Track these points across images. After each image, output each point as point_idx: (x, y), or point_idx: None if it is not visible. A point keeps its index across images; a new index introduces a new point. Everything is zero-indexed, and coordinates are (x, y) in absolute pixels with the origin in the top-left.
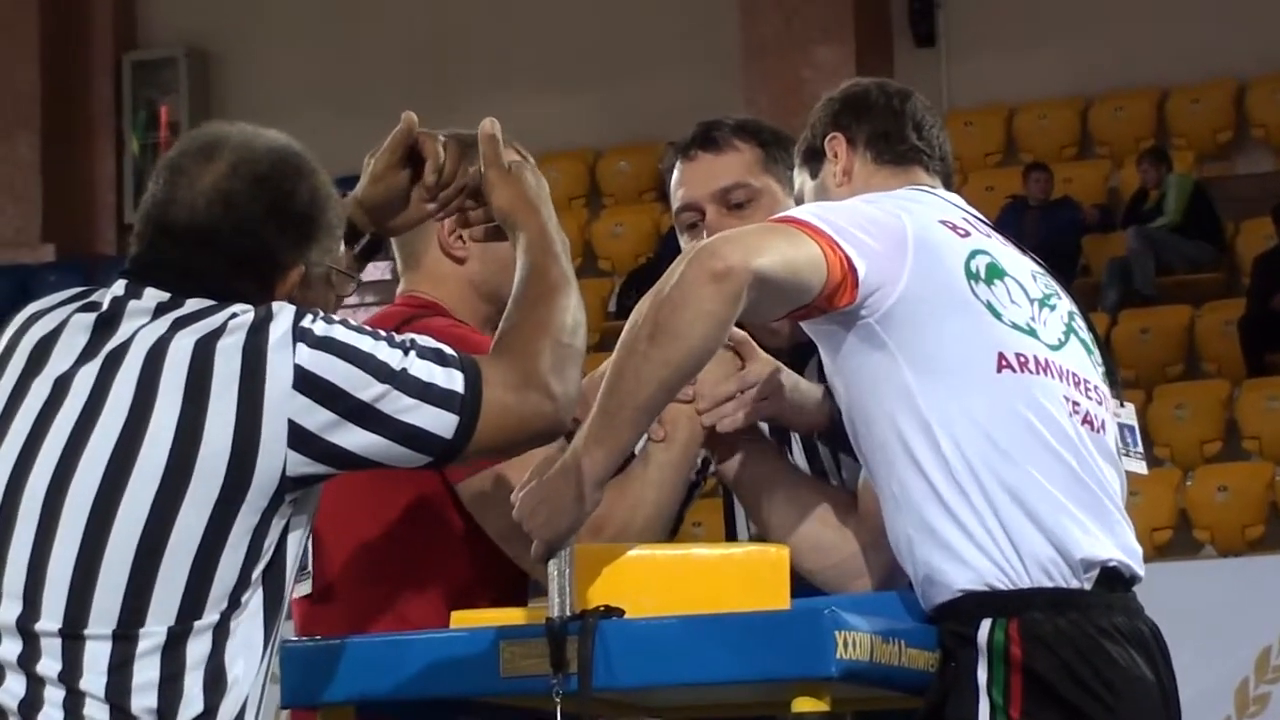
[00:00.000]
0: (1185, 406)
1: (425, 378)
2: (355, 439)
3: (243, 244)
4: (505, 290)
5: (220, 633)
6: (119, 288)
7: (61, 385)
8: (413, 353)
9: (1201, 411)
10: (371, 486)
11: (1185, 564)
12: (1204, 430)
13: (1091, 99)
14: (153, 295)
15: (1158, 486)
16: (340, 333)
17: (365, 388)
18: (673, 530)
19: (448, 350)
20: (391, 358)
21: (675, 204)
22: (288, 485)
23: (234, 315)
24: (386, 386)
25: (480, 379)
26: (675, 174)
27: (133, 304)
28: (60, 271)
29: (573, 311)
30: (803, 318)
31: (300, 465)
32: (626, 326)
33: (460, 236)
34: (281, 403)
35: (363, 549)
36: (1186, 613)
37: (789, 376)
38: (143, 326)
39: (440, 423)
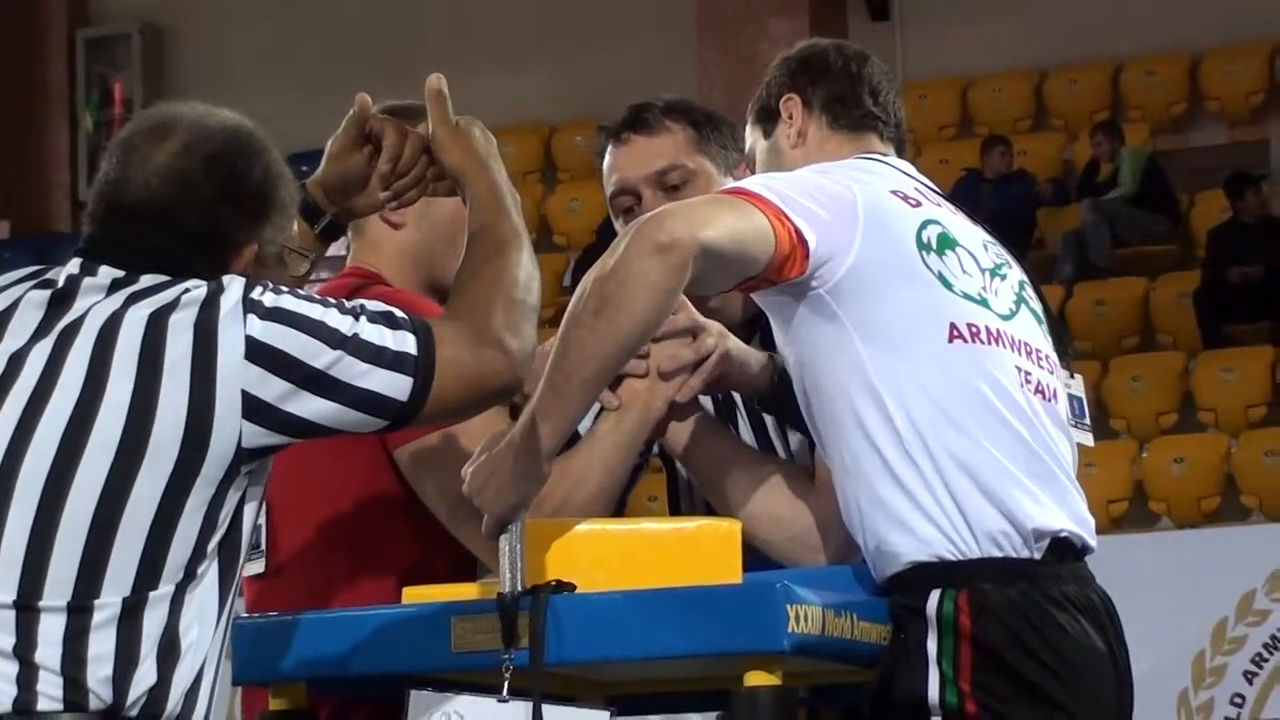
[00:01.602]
0: (1141, 378)
1: (377, 341)
2: (311, 407)
3: (196, 222)
4: (442, 258)
5: (175, 604)
6: (74, 266)
7: (15, 362)
8: (363, 318)
9: (1157, 383)
10: (319, 461)
11: (1141, 536)
12: (1160, 402)
13: (1046, 71)
14: (107, 273)
15: (1114, 458)
16: (290, 302)
17: (318, 355)
18: (622, 505)
19: (398, 313)
20: (342, 324)
21: (609, 188)
22: (244, 457)
23: (186, 290)
24: (339, 353)
25: (432, 339)
26: (608, 158)
27: (87, 281)
28: (14, 249)
29: (525, 266)
30: (751, 289)
31: (256, 436)
32: (572, 300)
33: None
34: (235, 374)
35: (312, 525)
36: (1143, 584)
37: (734, 343)
38: (96, 303)
39: (395, 385)
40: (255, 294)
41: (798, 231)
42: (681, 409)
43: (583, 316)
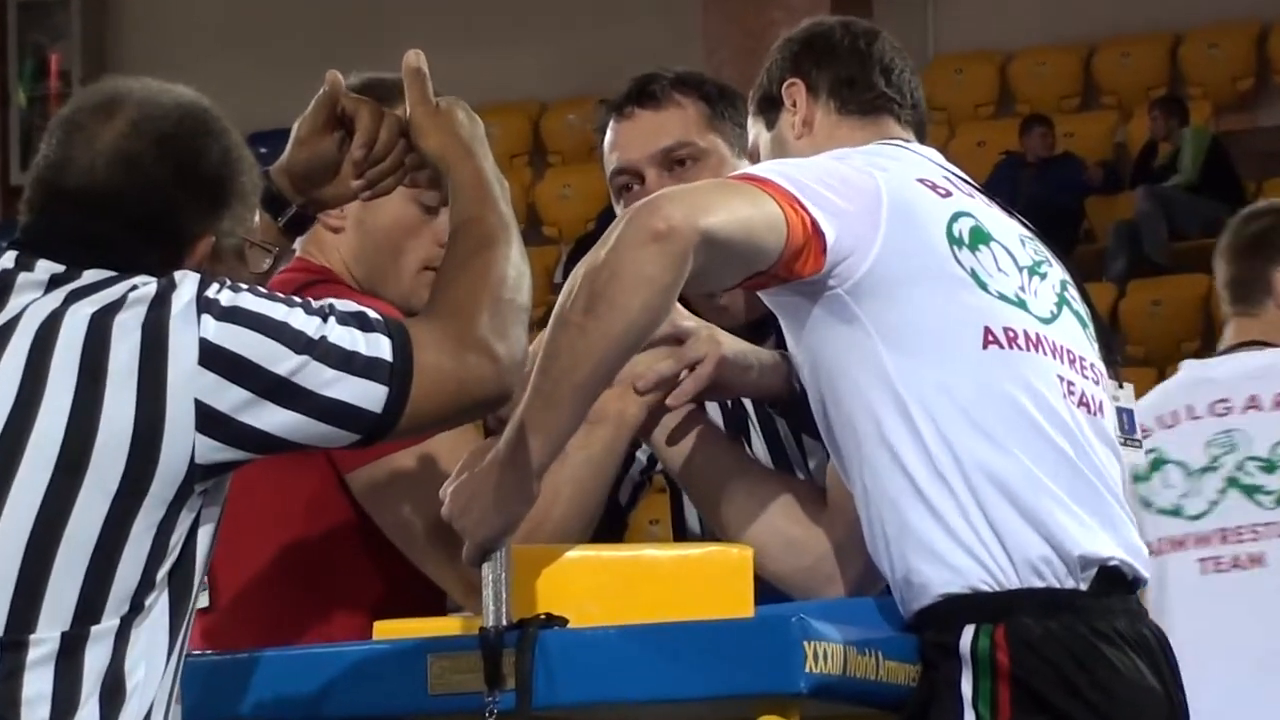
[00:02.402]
0: None
1: (348, 346)
2: (272, 418)
3: (146, 210)
4: (381, 270)
5: (120, 639)
6: (8, 259)
7: None
8: (332, 319)
9: None
10: (260, 485)
11: None
12: None
13: (1095, 44)
14: (46, 267)
15: None
16: (249, 301)
17: (280, 360)
18: (621, 529)
19: (371, 314)
20: (308, 325)
21: (609, 167)
22: (197, 474)
23: (134, 287)
24: (304, 358)
25: (410, 343)
26: (609, 134)
27: (23, 276)
28: None
29: (514, 262)
30: (759, 286)
31: (211, 451)
32: (560, 297)
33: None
34: (187, 381)
35: (257, 558)
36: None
37: (731, 340)
38: (33, 301)
39: (367, 395)
40: (210, 291)
41: (813, 222)
42: (674, 418)
43: (572, 315)
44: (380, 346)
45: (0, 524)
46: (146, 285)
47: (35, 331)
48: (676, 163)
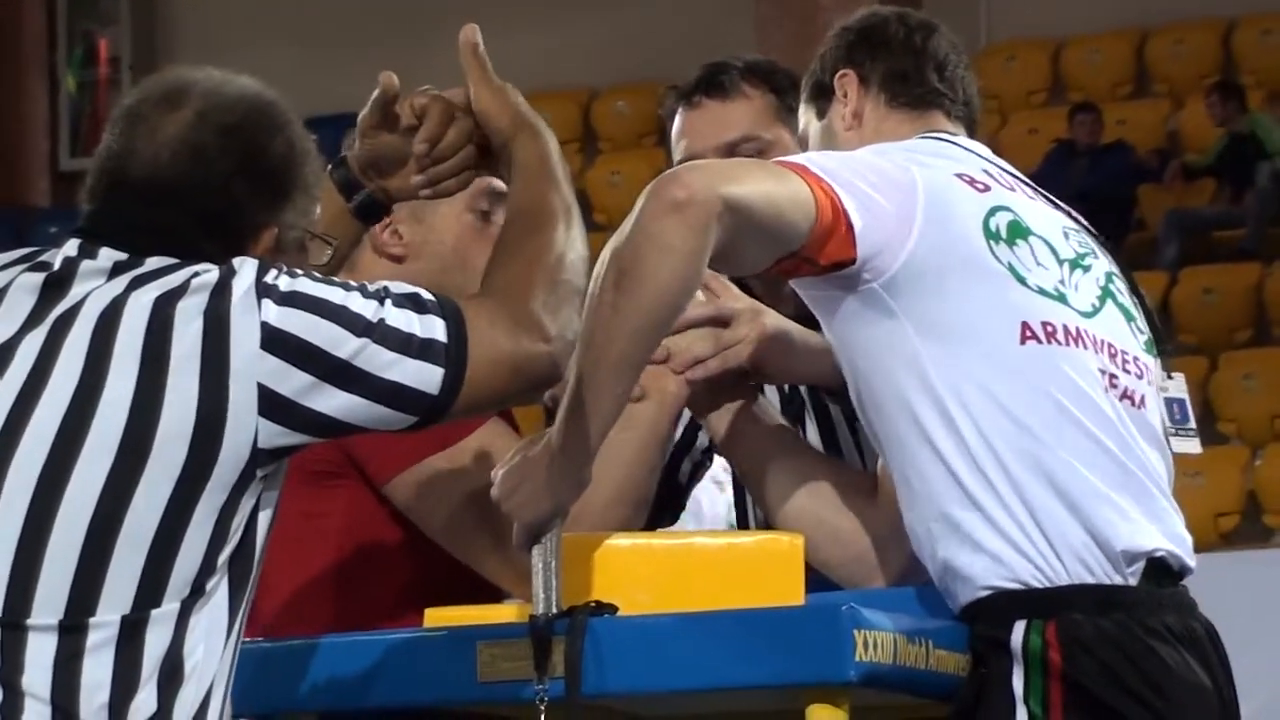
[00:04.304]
0: (1254, 376)
1: (404, 328)
2: (334, 402)
3: (210, 202)
4: (448, 286)
5: (181, 623)
6: (71, 248)
7: (4, 354)
8: (389, 301)
9: (1273, 382)
10: (291, 514)
11: (1254, 553)
12: (1275, 403)
13: (1148, 31)
14: (108, 255)
15: (1223, 466)
16: (308, 285)
17: (341, 344)
18: (674, 517)
19: (425, 295)
20: (366, 308)
21: (676, 156)
22: (260, 459)
23: (196, 274)
24: (364, 340)
25: (464, 324)
26: (677, 122)
27: (86, 264)
28: None
29: (575, 244)
30: (793, 272)
31: (274, 436)
32: (592, 277)
33: (396, 232)
34: (250, 366)
35: (291, 573)
36: (1254, 609)
37: (779, 322)
38: (96, 288)
39: (424, 377)
40: (269, 277)
41: (842, 207)
42: (717, 396)
43: (602, 294)
44: (435, 328)
45: (62, 509)
46: (208, 272)
47: (98, 318)
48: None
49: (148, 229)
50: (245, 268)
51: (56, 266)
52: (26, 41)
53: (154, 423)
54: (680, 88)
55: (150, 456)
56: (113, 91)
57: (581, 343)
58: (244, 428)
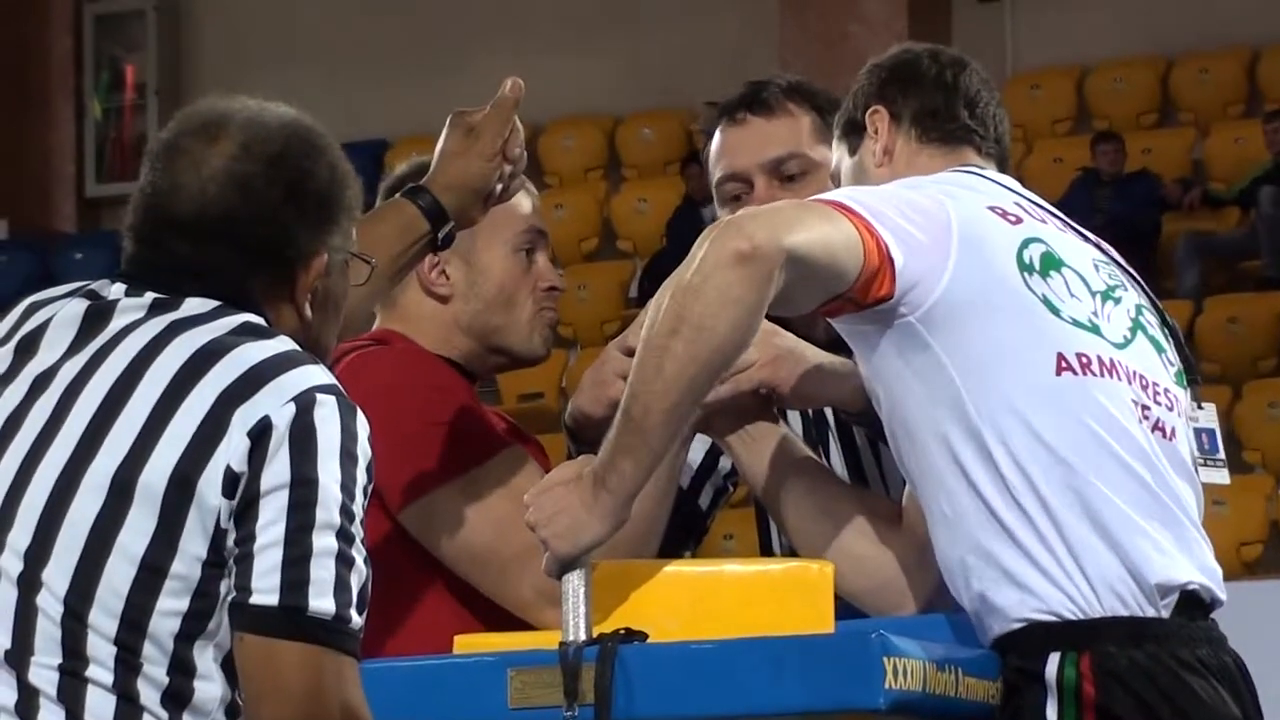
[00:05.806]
0: (1279, 405)
1: (347, 566)
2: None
3: (259, 233)
4: (502, 327)
5: (189, 649)
6: (118, 290)
7: (45, 379)
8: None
9: None
10: None
11: (1278, 582)
12: None
13: (1173, 59)
14: (153, 295)
15: (1247, 496)
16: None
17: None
18: (696, 542)
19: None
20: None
21: (716, 173)
22: (227, 536)
23: (239, 329)
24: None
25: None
26: (717, 139)
27: (129, 300)
28: (12, 250)
29: None
30: (834, 312)
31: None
32: (646, 321)
33: (444, 272)
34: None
35: None
36: (1278, 637)
37: (795, 345)
38: (136, 323)
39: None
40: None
41: (885, 247)
42: (736, 421)
43: (658, 339)
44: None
45: (60, 538)
46: (289, 348)
47: (134, 354)
48: (787, 177)
49: (196, 268)
50: (298, 375)
51: (105, 298)
52: (53, 67)
53: (137, 472)
54: (721, 104)
55: (134, 501)
56: (139, 117)
57: (632, 384)
58: (211, 506)
